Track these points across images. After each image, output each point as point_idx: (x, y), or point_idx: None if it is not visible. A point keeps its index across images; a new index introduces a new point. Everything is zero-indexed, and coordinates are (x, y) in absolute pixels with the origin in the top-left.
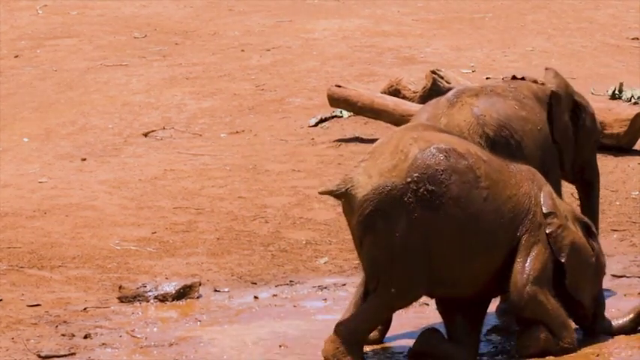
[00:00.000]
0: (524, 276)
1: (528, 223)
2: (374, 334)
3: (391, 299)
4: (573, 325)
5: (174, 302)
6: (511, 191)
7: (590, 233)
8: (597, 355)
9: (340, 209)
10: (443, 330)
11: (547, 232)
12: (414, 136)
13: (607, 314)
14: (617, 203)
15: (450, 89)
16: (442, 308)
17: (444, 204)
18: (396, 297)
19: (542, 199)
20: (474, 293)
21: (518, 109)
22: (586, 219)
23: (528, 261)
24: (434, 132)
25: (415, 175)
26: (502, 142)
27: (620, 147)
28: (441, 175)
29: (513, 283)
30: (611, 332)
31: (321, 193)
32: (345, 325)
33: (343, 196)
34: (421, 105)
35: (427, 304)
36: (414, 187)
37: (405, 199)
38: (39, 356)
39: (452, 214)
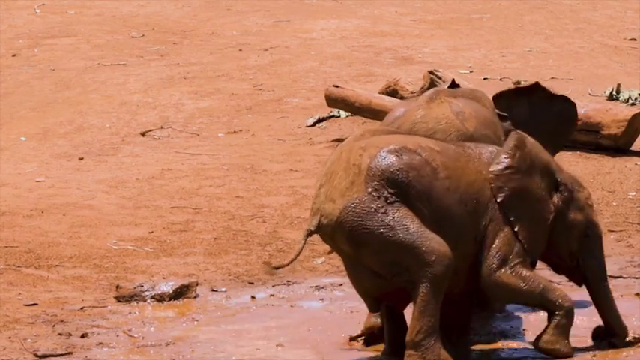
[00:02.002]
0: (489, 263)
1: (492, 209)
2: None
3: (431, 278)
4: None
5: (171, 302)
6: (470, 177)
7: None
8: (594, 356)
9: None
10: None
11: (491, 170)
12: (362, 146)
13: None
14: (614, 204)
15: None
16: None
17: (410, 201)
18: (434, 273)
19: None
20: (459, 287)
21: (492, 115)
22: (564, 180)
23: (493, 246)
24: (382, 135)
25: (374, 184)
26: (482, 140)
27: (617, 148)
28: (398, 175)
29: (481, 273)
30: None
31: (305, 237)
32: (412, 335)
33: (319, 231)
34: None
35: None
36: (377, 195)
37: (375, 207)
38: (36, 355)
39: (420, 209)
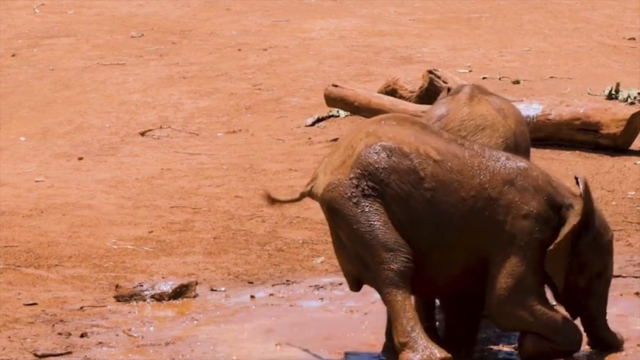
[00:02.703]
0: (499, 293)
1: (494, 231)
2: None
3: (388, 278)
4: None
5: (170, 301)
6: (468, 192)
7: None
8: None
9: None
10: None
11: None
12: (369, 131)
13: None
14: (614, 203)
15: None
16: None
17: (385, 201)
18: (389, 273)
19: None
20: (445, 295)
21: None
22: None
23: (501, 276)
24: (395, 126)
25: (357, 171)
26: (521, 135)
27: (616, 147)
28: (381, 173)
29: (489, 301)
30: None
31: (298, 198)
32: (395, 337)
33: (310, 196)
34: (418, 105)
35: None
36: (356, 183)
37: (349, 194)
38: (35, 355)
39: (394, 211)
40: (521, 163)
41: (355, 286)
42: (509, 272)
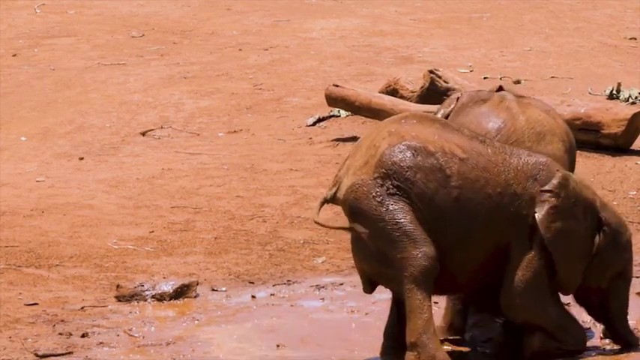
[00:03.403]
0: (515, 285)
1: (516, 225)
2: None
3: (413, 278)
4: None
5: (171, 301)
6: (494, 189)
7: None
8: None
9: (337, 209)
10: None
11: (535, 211)
12: (391, 130)
13: None
14: (615, 203)
15: (448, 89)
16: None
17: (411, 200)
18: (414, 273)
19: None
20: (466, 292)
21: None
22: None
23: (519, 269)
24: (416, 125)
25: (382, 171)
26: (569, 133)
27: (617, 147)
28: (407, 172)
29: (503, 292)
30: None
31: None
32: (408, 336)
33: (332, 202)
34: (419, 105)
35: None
36: (381, 183)
37: (374, 193)
38: (36, 355)
39: (419, 209)
40: (543, 158)
41: (369, 286)
42: (526, 266)
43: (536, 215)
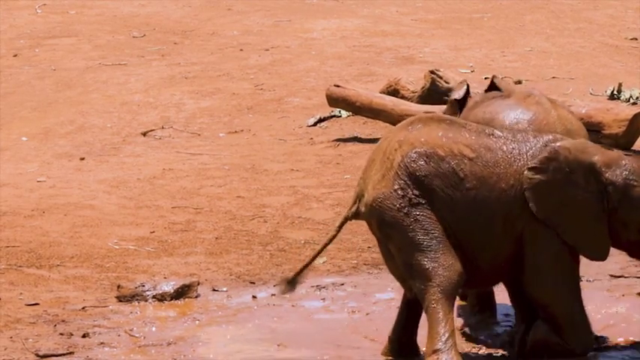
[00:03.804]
0: (536, 263)
1: (527, 213)
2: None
3: (438, 291)
4: None
5: (172, 302)
6: (507, 182)
7: None
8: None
9: (338, 209)
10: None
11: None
12: (401, 139)
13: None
14: None
15: (449, 89)
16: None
17: (433, 207)
18: (440, 287)
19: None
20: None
21: None
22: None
23: (538, 253)
24: (423, 129)
25: (400, 182)
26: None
27: (618, 147)
28: (424, 180)
29: (524, 282)
30: None
31: (341, 223)
32: (427, 345)
33: (357, 218)
34: (420, 105)
35: None
36: (402, 194)
37: (398, 205)
38: (37, 355)
39: (443, 216)
40: (548, 136)
41: (411, 291)
42: (542, 249)
43: (526, 196)
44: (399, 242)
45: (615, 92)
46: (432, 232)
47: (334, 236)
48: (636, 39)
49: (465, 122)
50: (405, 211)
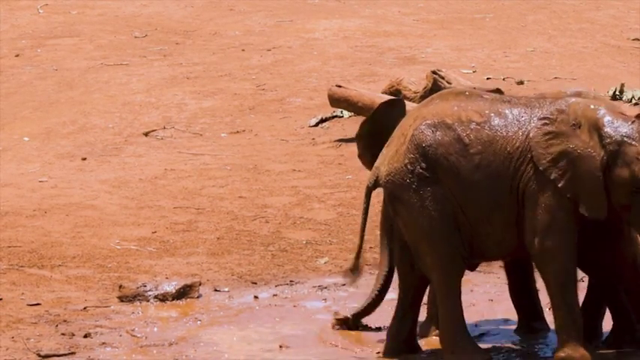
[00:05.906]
0: (532, 236)
1: (539, 173)
2: None
3: (441, 276)
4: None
5: (174, 302)
6: (513, 146)
7: None
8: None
9: (340, 209)
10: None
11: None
12: (416, 116)
13: None
14: None
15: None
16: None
17: (439, 178)
18: (444, 274)
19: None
20: (506, 257)
21: None
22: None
23: (540, 210)
24: (439, 103)
25: (410, 156)
26: None
27: None
28: (429, 150)
29: (526, 243)
30: None
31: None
32: (441, 337)
33: (376, 187)
34: None
35: None
36: (412, 168)
37: (408, 180)
38: (39, 355)
39: (449, 186)
40: (571, 98)
41: (407, 288)
42: (545, 208)
43: (530, 142)
44: (405, 219)
45: (617, 93)
46: (438, 212)
47: (366, 209)
48: (638, 39)
49: (485, 93)
50: (415, 187)
